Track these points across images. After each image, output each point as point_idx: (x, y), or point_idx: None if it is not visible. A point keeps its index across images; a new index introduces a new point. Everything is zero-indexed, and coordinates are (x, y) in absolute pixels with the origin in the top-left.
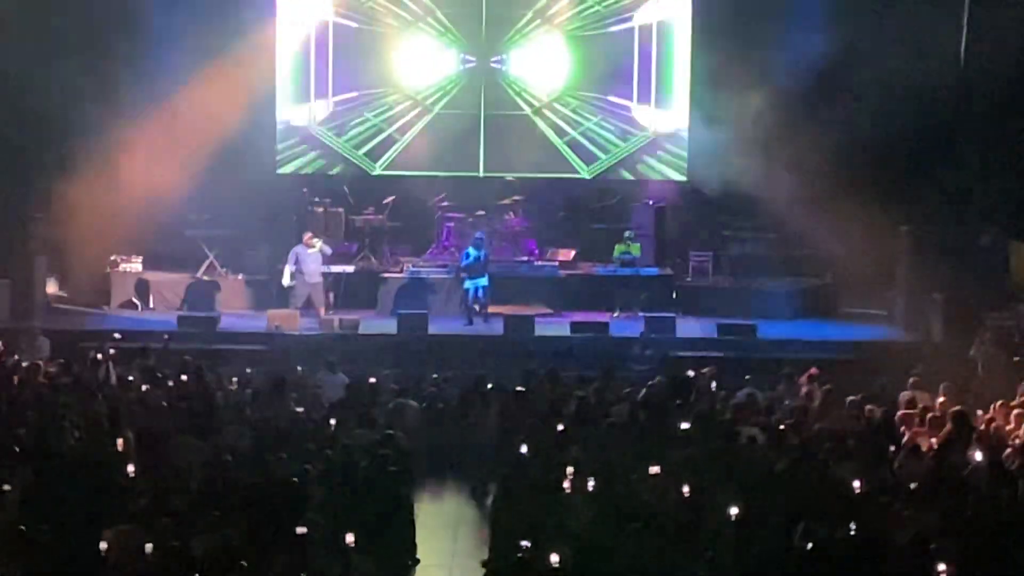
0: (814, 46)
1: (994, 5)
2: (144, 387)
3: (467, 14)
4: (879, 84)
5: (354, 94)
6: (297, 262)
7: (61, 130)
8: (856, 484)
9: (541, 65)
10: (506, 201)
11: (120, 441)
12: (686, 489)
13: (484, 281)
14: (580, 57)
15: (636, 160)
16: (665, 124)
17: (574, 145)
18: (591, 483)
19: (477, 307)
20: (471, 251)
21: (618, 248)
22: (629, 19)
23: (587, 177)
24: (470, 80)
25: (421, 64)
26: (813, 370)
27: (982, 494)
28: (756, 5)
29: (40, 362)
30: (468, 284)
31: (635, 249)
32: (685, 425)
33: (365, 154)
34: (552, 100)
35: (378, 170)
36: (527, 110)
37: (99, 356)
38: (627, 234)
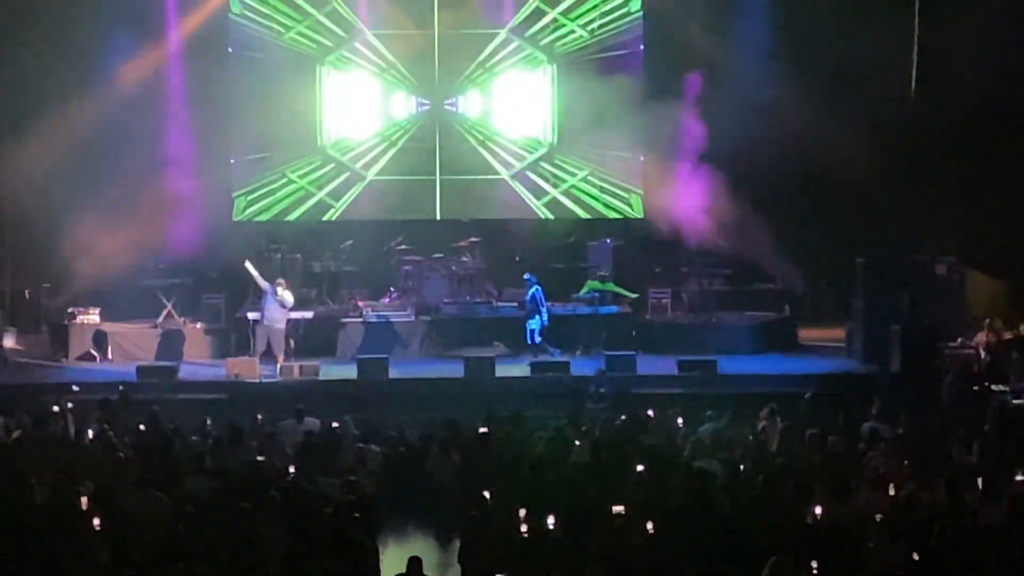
0: (763, 77)
1: (944, 36)
2: (103, 439)
3: (420, 57)
4: (830, 115)
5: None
6: (266, 303)
7: (12, 184)
8: (817, 510)
9: (496, 105)
10: (462, 243)
11: (82, 496)
12: (650, 526)
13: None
14: (534, 95)
15: (592, 196)
16: (618, 160)
17: (526, 183)
18: (552, 523)
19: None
20: (535, 290)
21: (590, 284)
22: (585, 56)
23: (543, 217)
24: (425, 123)
25: (374, 109)
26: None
27: (945, 525)
28: (703, 37)
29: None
30: (533, 322)
31: (611, 286)
32: (640, 468)
33: (316, 202)
34: (509, 140)
35: (335, 216)
36: (483, 152)
37: (57, 409)
38: (602, 271)
